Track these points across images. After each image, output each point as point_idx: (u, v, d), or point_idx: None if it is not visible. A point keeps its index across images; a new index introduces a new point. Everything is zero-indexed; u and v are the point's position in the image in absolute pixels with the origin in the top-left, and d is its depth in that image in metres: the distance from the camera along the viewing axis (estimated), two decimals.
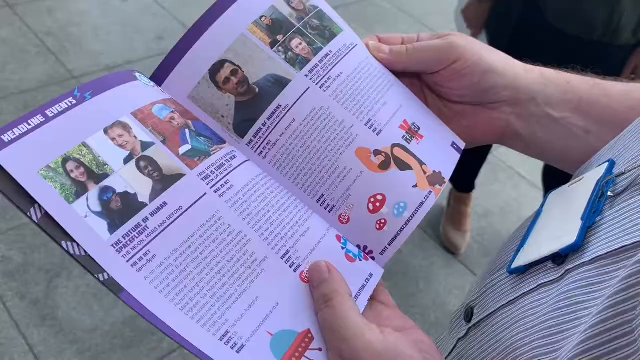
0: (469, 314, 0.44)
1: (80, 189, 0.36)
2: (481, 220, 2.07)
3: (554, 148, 0.50)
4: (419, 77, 0.52)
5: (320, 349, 0.38)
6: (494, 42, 1.56)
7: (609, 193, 0.37)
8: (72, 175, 0.36)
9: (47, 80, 2.26)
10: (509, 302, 0.39)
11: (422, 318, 1.73)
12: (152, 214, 0.37)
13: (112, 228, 0.36)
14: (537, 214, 0.43)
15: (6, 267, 1.65)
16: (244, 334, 0.37)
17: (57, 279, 1.64)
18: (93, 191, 0.36)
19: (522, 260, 0.40)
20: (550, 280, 0.36)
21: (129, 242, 0.36)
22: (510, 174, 2.24)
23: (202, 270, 0.37)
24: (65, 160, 0.36)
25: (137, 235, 0.36)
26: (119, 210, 0.37)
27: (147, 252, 0.36)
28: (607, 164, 0.40)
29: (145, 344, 1.54)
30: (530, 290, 0.37)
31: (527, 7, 1.48)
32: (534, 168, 2.23)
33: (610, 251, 0.32)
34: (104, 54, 2.45)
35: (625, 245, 0.31)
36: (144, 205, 0.37)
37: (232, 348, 0.36)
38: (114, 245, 0.35)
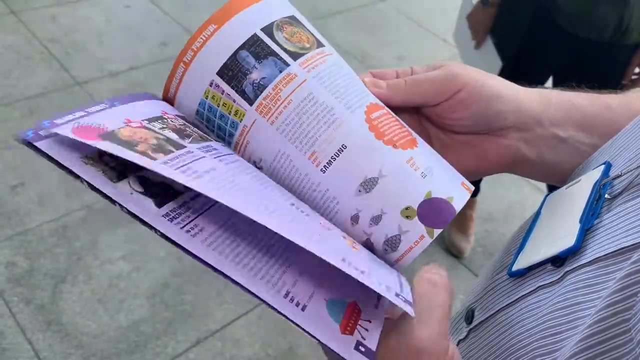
0: (469, 316, 0.44)
1: (121, 174, 0.37)
2: (485, 224, 2.07)
3: (563, 169, 0.48)
4: (418, 110, 0.48)
5: (369, 321, 0.38)
6: (501, 47, 1.58)
7: (606, 195, 0.37)
8: (111, 164, 0.38)
9: (51, 86, 2.27)
10: (509, 304, 0.39)
11: None
12: (192, 199, 0.39)
13: (159, 204, 0.37)
14: (536, 216, 0.44)
15: (11, 273, 1.66)
16: (303, 296, 0.37)
17: (62, 285, 1.65)
18: (133, 177, 0.38)
19: (521, 263, 0.40)
20: (550, 282, 0.36)
21: (177, 216, 0.37)
22: (514, 177, 2.25)
23: (250, 242, 0.39)
24: (101, 154, 0.38)
25: (183, 212, 0.38)
26: (159, 193, 0.38)
27: (196, 225, 0.37)
28: (603, 166, 0.40)
29: (149, 349, 1.55)
30: (530, 292, 0.38)
31: (537, 13, 1.50)
32: None
33: (609, 253, 0.33)
34: (108, 60, 2.46)
35: (624, 247, 0.32)
36: (179, 192, 0.39)
37: (296, 306, 0.36)
38: (164, 216, 0.37)
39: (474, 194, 1.99)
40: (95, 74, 2.37)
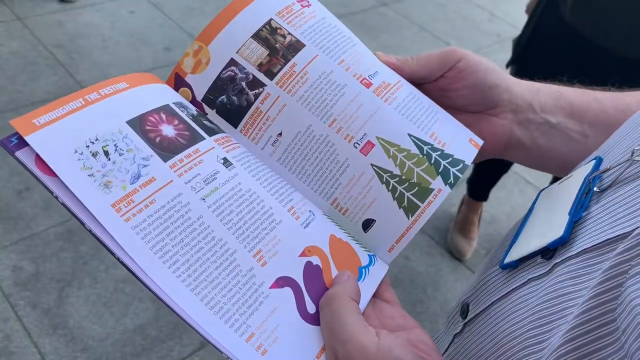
0: (464, 310, 0.45)
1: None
2: (488, 227, 2.07)
3: (555, 155, 0.51)
4: (421, 89, 0.53)
5: None
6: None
7: (595, 189, 0.38)
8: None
9: (56, 91, 2.29)
10: (501, 296, 0.40)
11: (430, 326, 1.73)
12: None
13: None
14: (529, 212, 0.45)
15: (18, 277, 1.67)
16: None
17: (68, 288, 1.66)
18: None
19: (513, 255, 0.41)
20: (540, 275, 0.37)
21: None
22: (517, 179, 2.25)
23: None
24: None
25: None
26: None
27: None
28: (594, 161, 0.41)
29: (155, 352, 1.56)
30: (521, 284, 0.39)
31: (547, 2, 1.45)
32: (540, 174, 2.23)
33: (595, 244, 0.33)
34: (113, 65, 2.48)
35: (610, 238, 0.33)
36: None
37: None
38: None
39: (484, 199, 1.99)
40: (100, 79, 2.37)
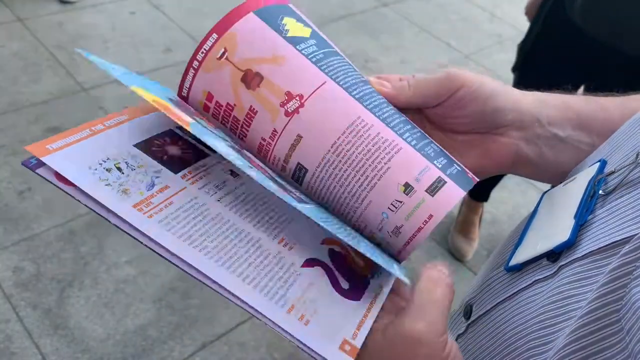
0: (468, 311, 0.46)
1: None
2: (490, 227, 2.07)
3: (564, 169, 0.49)
4: (420, 113, 0.50)
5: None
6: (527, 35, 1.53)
7: (600, 192, 0.38)
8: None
9: (58, 92, 2.29)
10: (505, 298, 0.40)
11: None
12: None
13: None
14: (533, 214, 0.45)
15: (19, 278, 1.67)
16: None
17: (69, 289, 1.66)
18: None
19: (518, 258, 0.41)
20: (545, 277, 0.37)
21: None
22: (518, 180, 2.25)
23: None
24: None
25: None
26: None
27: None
28: (598, 164, 0.41)
29: (156, 353, 1.56)
30: (526, 286, 0.39)
31: (552, 3, 1.42)
32: None
33: (601, 247, 0.34)
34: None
35: (616, 241, 0.33)
36: None
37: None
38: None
39: (484, 199, 1.98)
40: (101, 80, 2.38)
